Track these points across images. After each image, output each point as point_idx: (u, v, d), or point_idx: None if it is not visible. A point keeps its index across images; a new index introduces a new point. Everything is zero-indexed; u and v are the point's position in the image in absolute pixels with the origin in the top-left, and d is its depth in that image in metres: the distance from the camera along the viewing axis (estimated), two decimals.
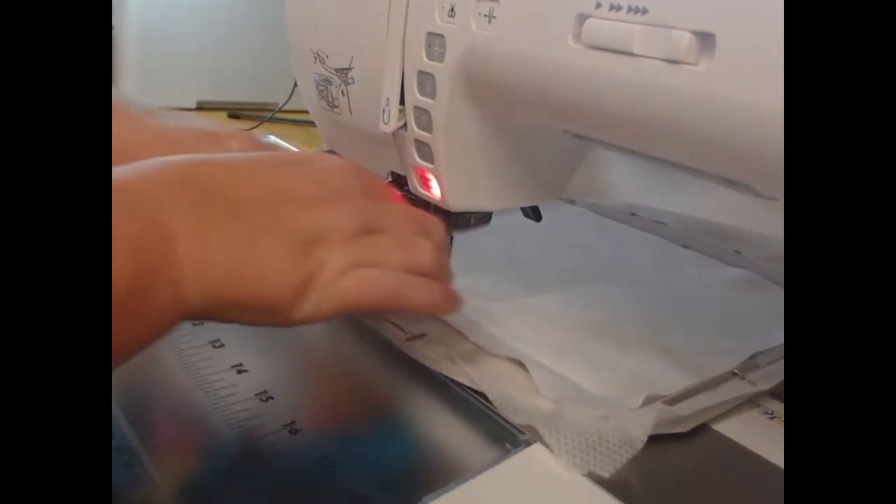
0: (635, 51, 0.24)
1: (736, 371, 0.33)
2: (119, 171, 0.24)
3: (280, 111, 0.89)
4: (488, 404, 0.31)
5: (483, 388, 0.31)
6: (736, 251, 0.53)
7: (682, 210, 0.64)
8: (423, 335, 0.35)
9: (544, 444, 0.28)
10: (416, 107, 0.34)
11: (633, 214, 0.61)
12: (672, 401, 0.31)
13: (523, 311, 0.40)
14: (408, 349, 0.34)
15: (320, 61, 0.40)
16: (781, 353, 0.34)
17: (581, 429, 0.28)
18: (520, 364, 0.33)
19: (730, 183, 0.27)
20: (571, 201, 0.63)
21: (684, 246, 0.54)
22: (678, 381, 0.33)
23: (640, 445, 0.28)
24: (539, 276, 0.45)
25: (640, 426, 0.28)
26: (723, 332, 0.39)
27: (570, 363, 0.34)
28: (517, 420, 0.29)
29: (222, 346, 0.33)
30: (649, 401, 0.31)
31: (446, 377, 0.33)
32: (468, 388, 0.33)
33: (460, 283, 0.42)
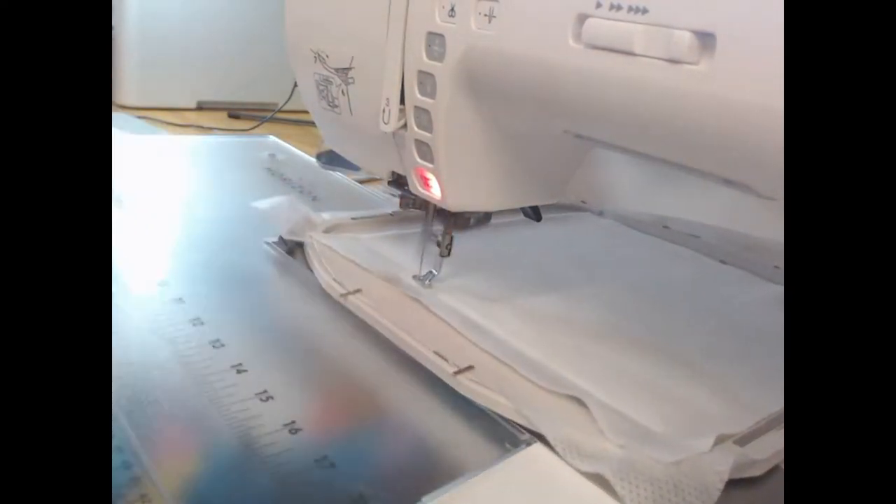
0: (636, 51, 0.24)
1: None
2: None
3: (280, 111, 0.89)
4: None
5: (542, 429, 0.29)
6: (776, 266, 0.51)
7: (682, 212, 0.63)
8: (470, 367, 0.33)
9: (546, 444, 0.28)
10: (416, 107, 0.34)
11: (665, 227, 0.59)
12: (742, 440, 0.29)
13: (561, 331, 0.38)
14: (455, 384, 0.32)
15: (320, 61, 0.40)
16: None
17: (654, 478, 0.26)
18: (577, 400, 0.31)
19: (729, 183, 0.27)
20: (600, 213, 0.62)
21: (721, 261, 0.53)
22: (741, 416, 0.31)
23: (716, 494, 0.26)
24: (574, 293, 0.43)
25: (716, 472, 0.26)
26: (775, 356, 0.37)
27: (625, 395, 0.32)
28: (583, 467, 0.27)
29: (222, 346, 0.33)
30: (719, 441, 0.29)
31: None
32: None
33: (495, 297, 0.41)
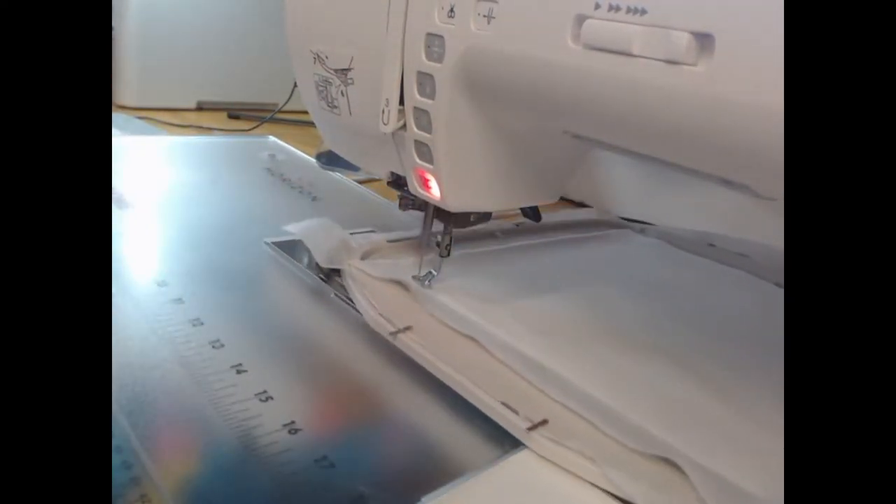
0: (634, 51, 0.24)
1: None
2: None
3: (280, 111, 0.89)
4: None
5: (636, 499, 0.26)
6: None
7: (682, 214, 0.63)
8: (544, 422, 0.29)
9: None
10: (415, 107, 0.34)
11: (710, 245, 0.56)
12: None
13: (623, 367, 0.35)
14: (529, 441, 0.29)
15: (320, 61, 0.40)
16: None
17: None
18: (667, 459, 0.28)
19: (729, 183, 0.27)
20: (642, 231, 0.59)
21: (777, 284, 0.49)
22: None
23: None
24: (623, 322, 0.40)
25: None
26: None
27: (717, 450, 0.28)
28: None
29: (222, 346, 0.33)
30: None
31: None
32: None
33: (540, 321, 0.37)
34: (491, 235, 0.51)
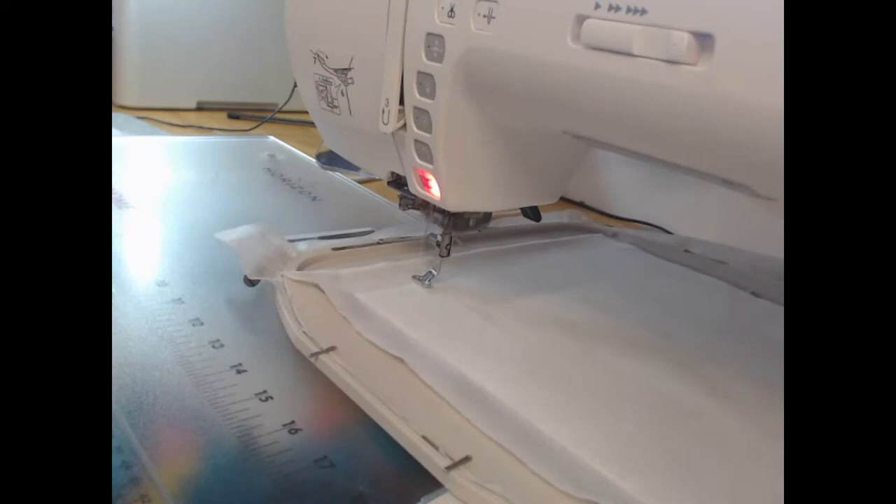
0: (634, 51, 0.24)
1: None
2: None
3: (280, 111, 0.89)
4: None
5: None
6: None
7: (682, 214, 0.63)
8: (466, 459, 0.26)
9: None
10: (415, 107, 0.34)
11: (686, 251, 0.54)
12: None
13: (584, 392, 0.32)
14: (447, 482, 0.26)
15: (320, 61, 0.40)
16: None
17: None
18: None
19: (728, 183, 0.27)
20: (614, 235, 0.57)
21: (754, 293, 0.47)
22: None
23: None
24: (592, 327, 0.38)
25: None
26: None
27: (659, 484, 0.26)
28: None
29: (222, 346, 0.33)
30: None
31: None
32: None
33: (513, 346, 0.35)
34: (452, 242, 0.47)
